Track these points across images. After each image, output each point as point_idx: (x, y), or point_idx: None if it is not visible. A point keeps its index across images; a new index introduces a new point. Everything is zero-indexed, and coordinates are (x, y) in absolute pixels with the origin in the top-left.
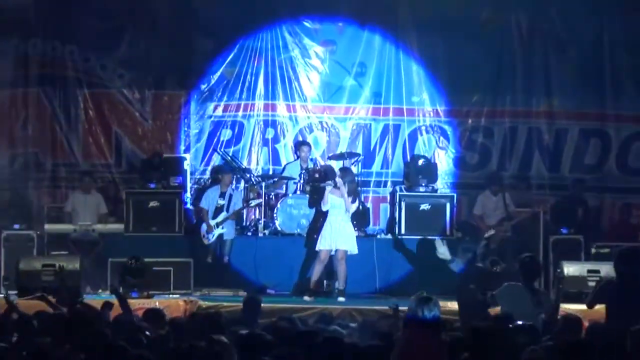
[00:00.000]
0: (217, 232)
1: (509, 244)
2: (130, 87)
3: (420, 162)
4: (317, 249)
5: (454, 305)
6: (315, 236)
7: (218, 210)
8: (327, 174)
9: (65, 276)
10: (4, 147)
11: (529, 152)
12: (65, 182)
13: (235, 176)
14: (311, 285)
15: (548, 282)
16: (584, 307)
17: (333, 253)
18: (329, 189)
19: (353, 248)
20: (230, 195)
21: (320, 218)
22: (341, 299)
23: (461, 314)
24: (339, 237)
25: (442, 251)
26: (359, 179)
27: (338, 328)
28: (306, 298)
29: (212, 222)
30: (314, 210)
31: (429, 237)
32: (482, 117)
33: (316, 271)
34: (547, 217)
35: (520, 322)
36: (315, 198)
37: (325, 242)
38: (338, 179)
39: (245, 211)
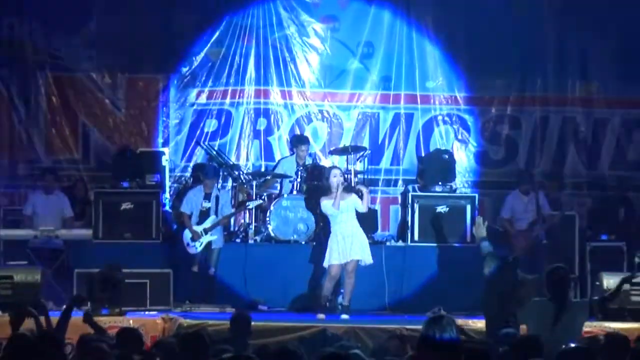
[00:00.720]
0: (205, 239)
1: (542, 252)
2: (99, 71)
3: (437, 157)
4: (325, 265)
5: (476, 323)
6: (320, 248)
7: (204, 214)
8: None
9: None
10: None
11: (563, 146)
12: (25, 181)
13: (220, 176)
14: (322, 302)
15: (585, 296)
16: (627, 325)
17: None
18: (340, 189)
19: (368, 258)
20: (217, 197)
21: (324, 227)
22: (345, 316)
23: (488, 332)
24: (351, 246)
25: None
26: (367, 176)
27: (359, 353)
28: (320, 316)
29: (199, 228)
30: (312, 216)
31: (447, 245)
32: (508, 105)
33: (327, 288)
34: (583, 221)
35: (573, 345)
36: (313, 202)
37: (336, 256)
38: (363, 188)
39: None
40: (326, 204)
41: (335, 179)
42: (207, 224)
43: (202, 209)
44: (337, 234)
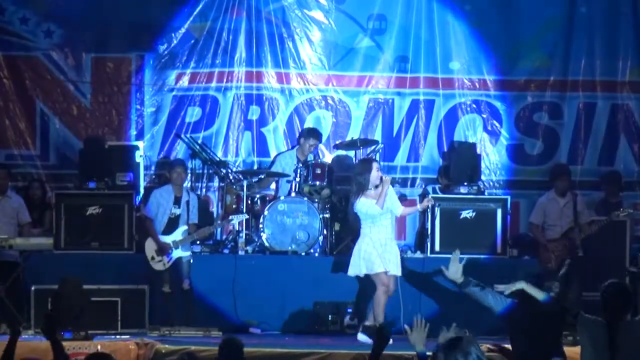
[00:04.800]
0: (175, 254)
1: (578, 267)
2: (61, 49)
3: (462, 152)
4: (363, 272)
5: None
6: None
7: (173, 222)
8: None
9: None
10: None
11: (613, 138)
12: None
13: (189, 170)
14: (375, 323)
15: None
16: None
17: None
18: (389, 186)
19: (399, 268)
20: (188, 203)
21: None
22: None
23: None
24: (389, 256)
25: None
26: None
27: None
28: (364, 338)
29: (168, 239)
30: (314, 222)
31: (473, 256)
32: (547, 90)
33: (381, 305)
34: (638, 229)
35: None
36: (343, 206)
37: (379, 263)
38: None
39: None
40: (366, 203)
41: (379, 172)
42: (178, 235)
43: (172, 215)
44: (375, 239)
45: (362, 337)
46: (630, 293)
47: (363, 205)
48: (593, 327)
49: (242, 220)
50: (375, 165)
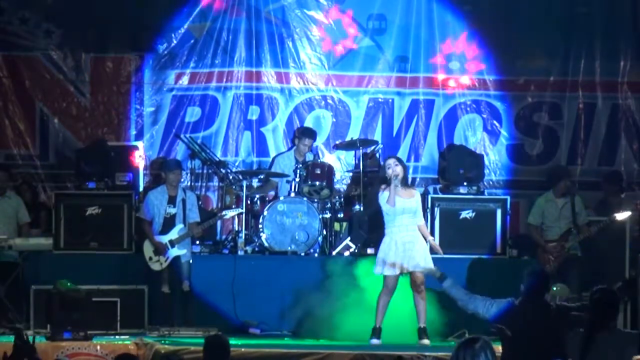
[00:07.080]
0: (172, 253)
1: (576, 268)
2: (60, 49)
3: (462, 152)
4: (377, 272)
5: None
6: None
7: (168, 222)
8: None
9: None
10: None
11: (613, 138)
12: None
13: (183, 170)
14: (377, 324)
15: (636, 322)
16: None
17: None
18: (396, 183)
19: (430, 263)
20: (183, 201)
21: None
22: (425, 341)
23: None
24: (412, 254)
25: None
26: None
27: None
28: (374, 342)
29: (164, 239)
30: (314, 222)
31: (473, 256)
32: (547, 90)
33: (382, 305)
34: (637, 230)
35: None
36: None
37: (391, 266)
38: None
39: (219, 222)
40: (383, 197)
41: (390, 170)
42: (174, 234)
43: (167, 215)
44: (393, 238)
45: (374, 341)
46: (618, 300)
47: (381, 198)
48: (576, 338)
49: (236, 215)
50: (387, 162)
